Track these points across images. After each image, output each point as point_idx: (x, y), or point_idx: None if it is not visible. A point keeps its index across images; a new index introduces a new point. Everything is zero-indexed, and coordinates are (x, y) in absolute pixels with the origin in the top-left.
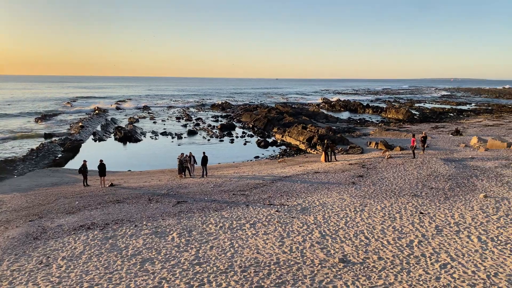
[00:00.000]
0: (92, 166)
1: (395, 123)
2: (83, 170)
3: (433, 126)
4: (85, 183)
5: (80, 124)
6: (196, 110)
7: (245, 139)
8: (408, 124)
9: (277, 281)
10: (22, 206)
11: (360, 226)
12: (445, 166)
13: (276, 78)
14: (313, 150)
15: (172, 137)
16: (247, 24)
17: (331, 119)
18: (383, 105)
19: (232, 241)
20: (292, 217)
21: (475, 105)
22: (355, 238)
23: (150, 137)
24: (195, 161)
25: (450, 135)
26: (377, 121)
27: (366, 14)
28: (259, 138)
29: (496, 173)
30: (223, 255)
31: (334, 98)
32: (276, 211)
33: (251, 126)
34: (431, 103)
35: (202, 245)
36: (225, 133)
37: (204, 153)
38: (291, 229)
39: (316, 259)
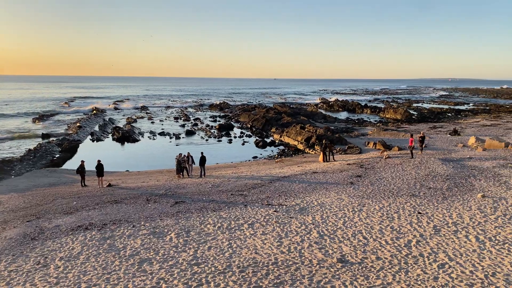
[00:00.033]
0: (90, 166)
1: (393, 123)
2: (81, 170)
3: (431, 126)
4: (83, 184)
5: (78, 124)
6: (194, 110)
7: (243, 139)
8: (406, 124)
9: (275, 281)
10: (20, 207)
11: (358, 226)
12: (443, 166)
13: (274, 78)
14: (311, 150)
15: (170, 137)
16: (246, 24)
17: (329, 119)
18: (381, 105)
19: (230, 241)
20: (290, 217)
21: (473, 105)
22: (353, 238)
23: (148, 137)
24: (193, 161)
25: (448, 135)
26: (375, 121)
27: (366, 14)
28: (257, 138)
29: (494, 173)
30: (221, 255)
31: (332, 98)
32: (274, 211)
33: (249, 126)
34: (429, 103)
35: (200, 245)
36: (223, 133)
37: (202, 153)
38: (289, 229)
39: (314, 259)
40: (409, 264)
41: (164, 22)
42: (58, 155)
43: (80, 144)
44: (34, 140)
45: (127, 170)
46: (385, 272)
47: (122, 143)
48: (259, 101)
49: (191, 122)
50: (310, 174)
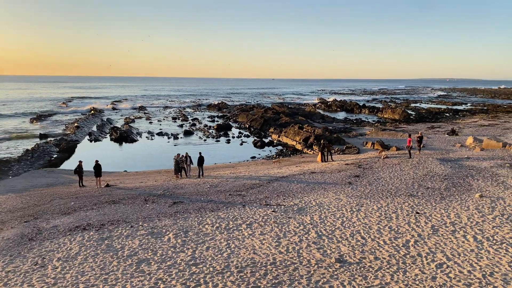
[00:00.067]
0: (88, 166)
1: (391, 123)
2: (79, 170)
3: (429, 126)
4: (80, 184)
5: (76, 124)
6: (192, 110)
7: (242, 139)
8: (404, 124)
9: (273, 282)
10: (17, 207)
11: (357, 226)
12: (441, 166)
13: (272, 78)
14: (309, 150)
15: (168, 138)
16: (245, 24)
17: (327, 119)
18: (380, 105)
19: (229, 241)
20: (288, 217)
21: (470, 105)
22: (351, 238)
23: (146, 137)
24: (191, 162)
25: (446, 135)
26: (373, 121)
27: (366, 14)
28: (255, 138)
29: (491, 173)
30: (219, 255)
31: (330, 98)
32: (273, 211)
33: (247, 126)
34: (427, 103)
35: (199, 245)
36: (221, 133)
37: (200, 153)
38: (287, 229)
39: (312, 259)
40: (407, 264)
41: (162, 22)
42: (56, 156)
43: (78, 145)
44: (32, 140)
45: (125, 171)
46: (383, 272)
47: (120, 143)
48: (257, 101)
49: (189, 122)
50: (308, 174)
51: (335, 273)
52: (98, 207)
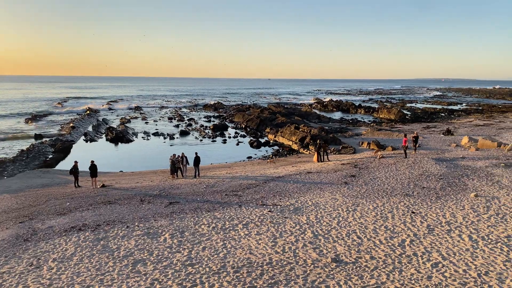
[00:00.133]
0: (84, 167)
1: (387, 123)
2: (74, 171)
3: (425, 126)
4: (76, 184)
5: (71, 124)
6: (188, 111)
7: (238, 140)
8: (400, 124)
9: (269, 281)
10: (12, 208)
11: (353, 226)
12: (436, 165)
13: (268, 79)
14: (305, 150)
15: (164, 138)
16: (242, 24)
17: (323, 119)
18: (375, 105)
19: (225, 241)
20: (285, 217)
21: (466, 105)
22: (347, 238)
23: (142, 137)
24: (187, 162)
25: (442, 135)
26: (369, 121)
27: (366, 14)
28: (251, 138)
29: (486, 173)
30: (215, 255)
31: (326, 98)
32: (269, 211)
33: (243, 126)
34: (423, 103)
35: (195, 245)
36: (217, 133)
37: (196, 153)
38: (283, 229)
39: (308, 259)
40: (403, 264)
41: (160, 22)
42: (51, 156)
43: (73, 145)
44: (27, 141)
45: (121, 171)
46: (379, 272)
47: (116, 144)
48: (253, 101)
49: (185, 123)
50: (304, 174)
51: (331, 272)
52: (93, 207)
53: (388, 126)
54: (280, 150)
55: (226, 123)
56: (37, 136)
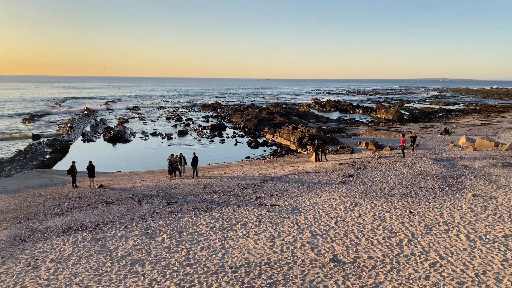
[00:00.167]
0: (81, 167)
1: (385, 123)
2: (72, 171)
3: (423, 126)
4: (74, 185)
5: (69, 124)
6: (186, 111)
7: (236, 140)
8: (398, 124)
9: (268, 281)
10: (10, 208)
11: (351, 226)
12: (434, 165)
13: (267, 79)
14: (303, 150)
15: (162, 138)
16: (241, 25)
17: (321, 119)
18: (373, 105)
19: (223, 241)
20: (283, 217)
21: (463, 105)
22: (345, 238)
23: (140, 137)
24: (185, 162)
25: (439, 135)
26: (367, 121)
27: (366, 14)
28: (250, 138)
29: (484, 172)
30: (213, 256)
31: (324, 98)
32: (267, 211)
33: (242, 126)
34: (420, 103)
35: (193, 246)
36: (215, 133)
37: (194, 153)
38: (282, 229)
39: (306, 259)
40: (401, 263)
41: (159, 22)
42: (49, 156)
43: (71, 145)
44: (25, 141)
45: (118, 171)
46: (377, 271)
47: (114, 144)
48: (251, 101)
49: (183, 123)
50: (302, 174)
51: (329, 272)
52: (91, 207)
53: (386, 126)
54: (278, 150)
55: (224, 123)
56: (35, 136)
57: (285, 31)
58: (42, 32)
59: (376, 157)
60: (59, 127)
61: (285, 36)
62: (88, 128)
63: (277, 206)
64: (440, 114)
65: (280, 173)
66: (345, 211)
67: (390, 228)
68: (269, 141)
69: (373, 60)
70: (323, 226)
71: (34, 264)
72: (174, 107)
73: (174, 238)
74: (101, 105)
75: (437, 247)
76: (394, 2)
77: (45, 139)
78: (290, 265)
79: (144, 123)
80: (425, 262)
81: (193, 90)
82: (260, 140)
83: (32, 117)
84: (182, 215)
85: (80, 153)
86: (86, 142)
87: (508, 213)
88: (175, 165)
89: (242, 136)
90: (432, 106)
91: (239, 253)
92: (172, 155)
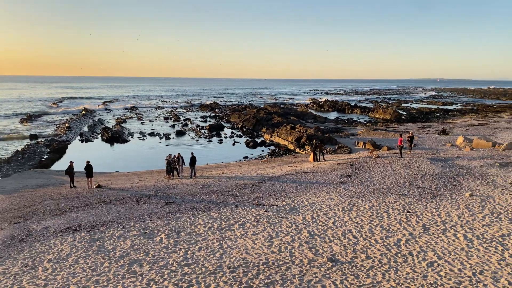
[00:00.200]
0: (79, 167)
1: (383, 123)
2: (70, 171)
3: (420, 126)
4: (71, 185)
5: (67, 124)
6: (184, 111)
7: (234, 140)
8: (395, 124)
9: (266, 281)
10: (7, 208)
11: (348, 226)
12: (431, 165)
13: (265, 79)
14: (301, 150)
15: (160, 138)
16: (239, 24)
17: (319, 119)
18: (371, 106)
19: (221, 241)
20: (281, 217)
21: (461, 105)
22: (343, 238)
23: (138, 137)
24: (183, 162)
25: (437, 135)
26: (365, 121)
27: (365, 14)
28: (248, 138)
29: (481, 172)
30: (211, 255)
31: (322, 99)
32: (265, 211)
33: (240, 126)
34: (418, 103)
35: (191, 246)
36: (213, 133)
37: (192, 153)
38: (280, 229)
39: (304, 258)
40: (399, 263)
41: (159, 22)
42: (47, 156)
43: (69, 145)
44: (22, 141)
45: (116, 171)
46: (375, 271)
47: (112, 144)
48: (249, 101)
49: (181, 123)
50: (300, 174)
51: (327, 272)
52: (89, 208)
53: (384, 126)
54: (276, 150)
55: (222, 123)
56: (32, 137)
57: (285, 31)
58: (41, 32)
59: (374, 157)
60: (56, 127)
61: (284, 36)
62: (86, 128)
63: (275, 206)
64: (438, 114)
65: (278, 173)
66: (343, 211)
67: (388, 227)
68: (267, 141)
69: (372, 60)
70: (321, 226)
71: (31, 264)
72: (172, 107)
73: (172, 238)
74: (99, 105)
75: (435, 246)
76: (394, 2)
77: (42, 139)
78: (288, 265)
79: (142, 123)
80: (423, 261)
81: (191, 90)
82: (258, 140)
83: (29, 117)
84: (180, 215)
85: (78, 153)
86: (84, 142)
87: (505, 212)
88: (173, 165)
89: (240, 136)
90: (429, 106)
91: (237, 253)
92: (170, 155)
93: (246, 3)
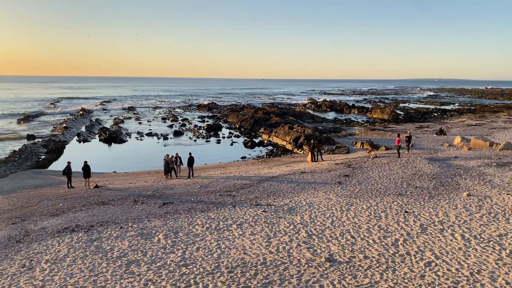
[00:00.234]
0: (77, 167)
1: (381, 123)
2: (67, 171)
3: (418, 126)
4: (69, 185)
5: (64, 125)
6: (182, 111)
7: (232, 140)
8: (393, 124)
9: (264, 282)
10: (4, 209)
11: (346, 226)
12: (429, 165)
13: (262, 79)
14: (299, 150)
15: (158, 138)
16: (238, 24)
17: (317, 119)
18: (369, 106)
19: (219, 242)
20: (279, 217)
21: (458, 105)
22: (341, 238)
23: (136, 138)
24: (181, 162)
25: (434, 135)
26: (363, 121)
27: (366, 14)
28: (245, 138)
29: (479, 172)
30: (209, 256)
31: (320, 99)
32: (263, 211)
33: (237, 126)
34: (416, 103)
35: (189, 246)
36: (211, 133)
37: (190, 153)
38: (278, 229)
39: (302, 258)
40: (396, 263)
41: (159, 22)
42: (44, 156)
43: (66, 145)
44: (19, 141)
45: (114, 171)
46: (373, 271)
47: (109, 144)
48: (247, 102)
49: (179, 123)
50: (298, 174)
51: (325, 272)
52: (87, 208)
53: (382, 126)
54: (274, 150)
55: (220, 123)
56: (30, 137)
57: (284, 31)
58: (40, 32)
59: (371, 157)
60: (54, 127)
61: (283, 36)
62: (83, 129)
63: (273, 206)
64: (435, 114)
65: (276, 173)
66: (341, 211)
67: (385, 227)
68: (265, 141)
69: (370, 60)
70: (319, 226)
71: (29, 265)
72: (170, 107)
73: (170, 238)
74: (96, 105)
75: (432, 246)
76: (394, 2)
77: (40, 140)
78: (286, 265)
79: (140, 123)
80: (421, 261)
81: (189, 90)
82: (256, 140)
83: (26, 118)
84: (178, 216)
85: (75, 154)
86: (82, 142)
87: (503, 212)
88: (170, 165)
89: (238, 136)
90: (427, 106)
91: (235, 253)
92: (167, 155)
93: (245, 3)
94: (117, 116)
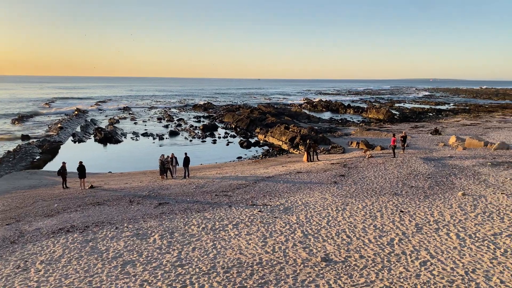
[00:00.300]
0: (72, 168)
1: (376, 123)
2: (62, 172)
3: (413, 125)
4: (64, 185)
5: (59, 125)
6: (178, 111)
7: (228, 140)
8: (389, 124)
9: (259, 281)
10: None
11: (342, 225)
12: (424, 165)
13: (258, 79)
14: (295, 150)
15: (154, 138)
16: (241, 24)
17: (313, 119)
18: (364, 106)
19: (215, 242)
20: (274, 217)
21: (453, 105)
22: (337, 237)
23: (131, 138)
24: (177, 162)
25: (429, 135)
26: (358, 121)
27: (365, 14)
28: (241, 138)
29: (473, 172)
30: (205, 256)
31: (316, 99)
32: (259, 211)
33: (233, 126)
34: (411, 103)
35: (184, 246)
36: (207, 133)
37: (186, 154)
38: (273, 229)
39: (298, 258)
40: (392, 262)
41: (157, 22)
42: (39, 157)
43: (61, 146)
44: (14, 142)
45: (109, 172)
46: (369, 271)
47: (105, 144)
48: (243, 102)
49: (175, 123)
50: (294, 174)
51: (321, 272)
52: (82, 208)
53: (377, 126)
54: (270, 150)
55: (216, 123)
56: (24, 137)
57: (285, 31)
58: (40, 32)
59: (367, 157)
60: (49, 127)
61: (284, 36)
62: (78, 129)
63: (269, 206)
64: (431, 114)
65: (272, 173)
66: (337, 211)
67: (381, 227)
68: (261, 141)
69: (366, 61)
70: (314, 225)
71: (23, 266)
72: (166, 107)
73: (166, 238)
74: (91, 106)
75: (428, 245)
76: (393, 2)
77: (34, 140)
78: (282, 264)
79: (135, 123)
80: (416, 260)
81: (185, 90)
82: (252, 140)
83: (21, 118)
84: (173, 216)
85: (70, 154)
86: (77, 142)
87: (497, 211)
88: (166, 165)
89: (234, 137)
90: (422, 106)
91: (231, 253)
92: (163, 155)
93: (245, 3)
94: (112, 116)
